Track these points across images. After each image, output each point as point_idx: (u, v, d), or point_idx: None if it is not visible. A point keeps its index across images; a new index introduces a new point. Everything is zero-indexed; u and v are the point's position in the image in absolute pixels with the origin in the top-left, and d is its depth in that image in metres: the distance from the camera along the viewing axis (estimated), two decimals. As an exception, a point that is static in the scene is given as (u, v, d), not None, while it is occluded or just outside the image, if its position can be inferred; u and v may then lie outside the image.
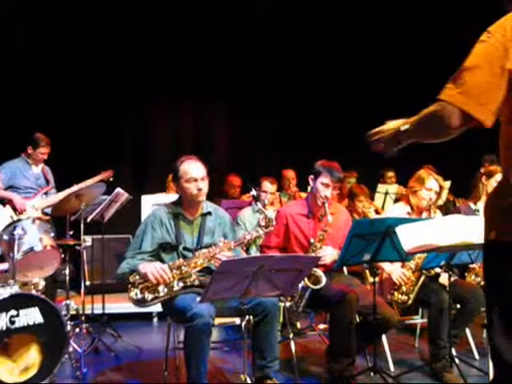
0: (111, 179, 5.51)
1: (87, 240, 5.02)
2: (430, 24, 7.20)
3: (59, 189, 5.53)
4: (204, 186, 3.61)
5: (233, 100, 8.29)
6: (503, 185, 1.92)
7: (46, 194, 5.58)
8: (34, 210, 5.32)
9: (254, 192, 3.86)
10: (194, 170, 3.60)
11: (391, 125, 2.11)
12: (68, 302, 4.63)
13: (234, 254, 3.56)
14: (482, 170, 4.90)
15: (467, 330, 4.36)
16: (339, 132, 8.00)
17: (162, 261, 3.57)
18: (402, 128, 2.03)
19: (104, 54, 7.40)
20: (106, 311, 5.12)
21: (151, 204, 5.50)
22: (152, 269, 3.41)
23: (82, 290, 4.76)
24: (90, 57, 7.32)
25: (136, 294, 3.45)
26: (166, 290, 3.43)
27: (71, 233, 4.94)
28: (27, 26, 7.09)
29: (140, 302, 3.46)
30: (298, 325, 5.13)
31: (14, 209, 5.26)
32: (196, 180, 3.58)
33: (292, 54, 7.90)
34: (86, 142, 7.23)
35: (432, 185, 4.26)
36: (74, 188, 4.69)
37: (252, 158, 8.44)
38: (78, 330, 4.64)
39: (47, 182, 5.70)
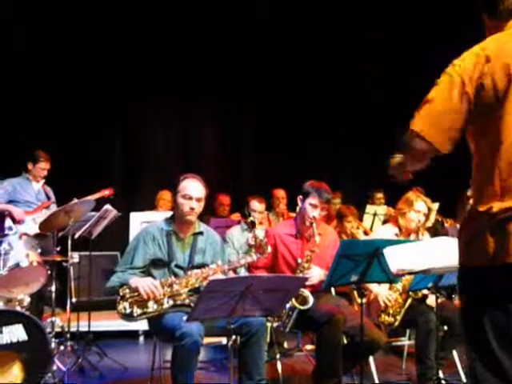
0: (112, 197, 5.51)
1: (74, 256, 4.99)
2: (430, 23, 7.23)
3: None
4: (197, 206, 3.62)
5: (224, 119, 8.34)
6: (471, 212, 2.02)
7: (46, 208, 5.56)
8: (34, 223, 5.29)
9: (252, 218, 3.89)
10: (192, 188, 3.62)
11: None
12: (53, 319, 4.59)
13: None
14: (468, 193, 4.93)
15: (454, 352, 4.35)
16: (327, 153, 8.05)
17: (153, 277, 3.55)
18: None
19: (91, 66, 7.41)
20: (92, 329, 5.07)
21: (140, 221, 5.48)
22: (144, 284, 3.40)
23: (68, 307, 4.72)
24: (72, 72, 7.31)
25: (125, 308, 3.43)
26: (155, 306, 3.41)
27: (58, 249, 4.91)
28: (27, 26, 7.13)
29: (128, 317, 3.44)
30: (285, 345, 5.11)
31: (13, 220, 5.24)
32: (191, 198, 3.60)
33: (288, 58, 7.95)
34: (74, 157, 7.20)
35: (420, 207, 4.29)
36: (73, 202, 4.68)
37: (242, 176, 8.45)
38: (62, 347, 4.59)
39: (48, 198, 5.71)
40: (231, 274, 3.69)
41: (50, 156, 5.65)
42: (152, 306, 3.40)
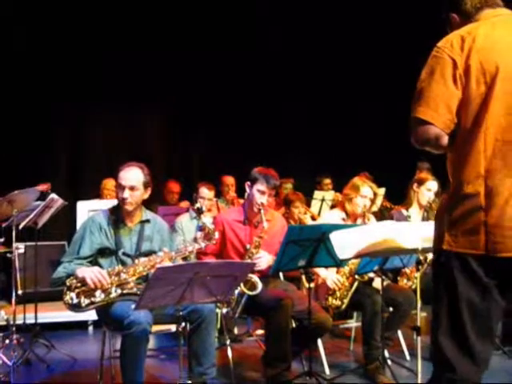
0: (49, 191, 5.38)
1: (20, 247, 4.86)
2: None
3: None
4: (129, 195, 3.56)
5: (170, 105, 8.26)
6: (452, 196, 2.01)
7: None
8: None
9: (198, 205, 3.87)
10: (124, 177, 3.58)
11: None
12: (-2, 312, 4.48)
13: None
14: (422, 174, 5.06)
15: (399, 332, 4.49)
16: (277, 138, 8.10)
17: (100, 266, 3.52)
18: None
19: (36, 62, 7.22)
20: (39, 321, 4.96)
21: (87, 210, 5.38)
22: (90, 273, 3.36)
23: (14, 299, 4.60)
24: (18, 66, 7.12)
25: (71, 299, 3.38)
26: (102, 295, 3.37)
27: (2, 240, 4.78)
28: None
29: (75, 307, 3.39)
30: (235, 330, 5.14)
31: None
32: (123, 188, 3.55)
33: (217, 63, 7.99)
34: (17, 145, 7.02)
35: (366, 192, 4.37)
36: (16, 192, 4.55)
37: (190, 163, 8.41)
38: (7, 341, 4.47)
39: None
40: (180, 262, 3.69)
41: None
42: (99, 296, 3.37)
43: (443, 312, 2.01)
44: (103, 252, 3.56)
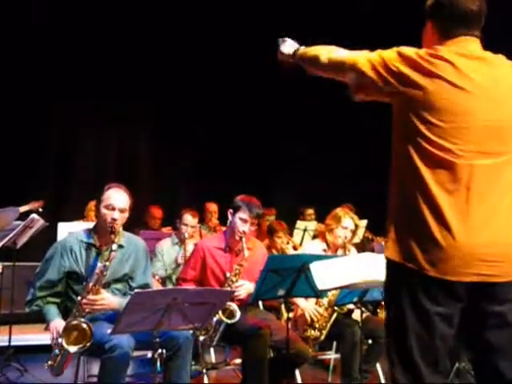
0: (40, 210, 5.34)
1: (-3, 267, 4.80)
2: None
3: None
4: (120, 217, 3.52)
5: (157, 130, 8.30)
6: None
7: None
8: None
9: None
10: (116, 198, 3.52)
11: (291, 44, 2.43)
12: (-31, 334, 4.40)
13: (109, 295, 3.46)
14: None
15: (378, 365, 4.47)
16: (261, 167, 8.14)
17: (73, 290, 3.47)
18: (298, 52, 2.38)
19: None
20: (13, 343, 4.87)
21: (68, 231, 5.34)
22: (53, 331, 3.34)
23: (-13, 321, 4.53)
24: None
25: (48, 365, 3.35)
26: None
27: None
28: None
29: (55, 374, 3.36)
30: (213, 359, 5.08)
31: None
32: (114, 209, 3.50)
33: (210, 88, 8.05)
34: (5, 164, 7.00)
35: (348, 223, 4.40)
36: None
37: (174, 189, 8.41)
38: (-22, 364, 4.39)
39: None
40: (158, 285, 3.65)
41: None
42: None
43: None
44: (72, 277, 3.50)
